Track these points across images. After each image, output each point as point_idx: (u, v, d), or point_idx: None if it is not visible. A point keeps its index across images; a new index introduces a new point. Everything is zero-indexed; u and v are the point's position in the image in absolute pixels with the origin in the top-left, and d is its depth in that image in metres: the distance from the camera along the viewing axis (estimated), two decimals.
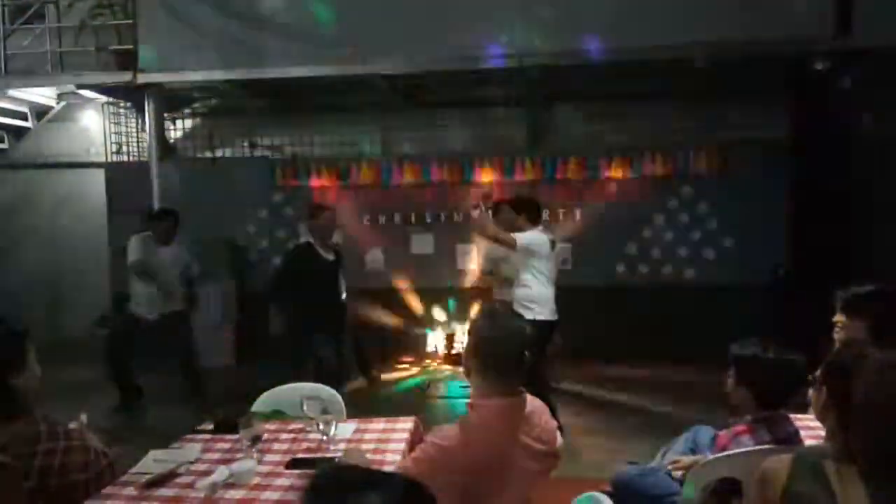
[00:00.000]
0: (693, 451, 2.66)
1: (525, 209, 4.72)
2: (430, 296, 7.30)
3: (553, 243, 4.77)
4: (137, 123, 7.90)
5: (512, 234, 4.48)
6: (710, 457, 2.35)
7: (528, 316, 4.44)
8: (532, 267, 4.54)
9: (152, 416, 5.41)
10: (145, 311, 5.47)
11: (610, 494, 2.02)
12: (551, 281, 4.62)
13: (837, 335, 2.77)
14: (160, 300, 5.44)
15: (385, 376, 6.50)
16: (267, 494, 2.07)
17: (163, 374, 5.69)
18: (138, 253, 5.40)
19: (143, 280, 5.43)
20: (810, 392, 2.57)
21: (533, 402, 2.06)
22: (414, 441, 2.47)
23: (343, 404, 2.96)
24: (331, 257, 5.10)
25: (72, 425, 2.09)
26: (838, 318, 2.73)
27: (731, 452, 2.24)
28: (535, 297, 4.50)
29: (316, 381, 4.50)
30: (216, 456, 2.40)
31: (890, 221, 5.60)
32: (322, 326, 4.88)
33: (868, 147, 5.89)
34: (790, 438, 2.24)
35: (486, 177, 7.22)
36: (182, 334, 5.59)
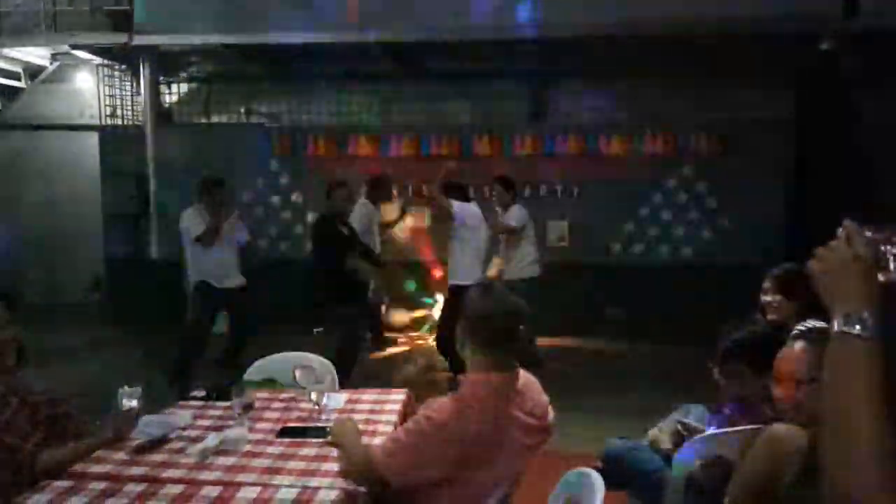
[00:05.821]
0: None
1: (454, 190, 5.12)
2: (426, 271, 7.26)
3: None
4: (132, 86, 7.77)
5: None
6: (706, 433, 2.36)
7: (450, 281, 5.07)
8: (460, 237, 5.02)
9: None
10: (215, 280, 5.06)
11: (599, 470, 2.02)
12: (480, 250, 5.10)
13: (771, 314, 2.80)
14: (224, 272, 5.07)
15: (380, 353, 6.50)
16: (257, 462, 2.06)
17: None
18: (201, 225, 4.94)
19: (206, 252, 4.99)
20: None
21: (526, 377, 2.05)
22: (406, 413, 2.47)
23: (335, 374, 2.95)
24: (345, 231, 5.02)
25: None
26: (773, 297, 2.77)
27: (726, 430, 2.25)
28: (458, 263, 5.03)
29: (341, 345, 4.65)
30: (208, 423, 2.39)
31: (891, 204, 5.59)
32: (346, 296, 4.95)
33: (871, 130, 5.86)
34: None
35: (484, 150, 7.15)
36: (246, 308, 5.26)
